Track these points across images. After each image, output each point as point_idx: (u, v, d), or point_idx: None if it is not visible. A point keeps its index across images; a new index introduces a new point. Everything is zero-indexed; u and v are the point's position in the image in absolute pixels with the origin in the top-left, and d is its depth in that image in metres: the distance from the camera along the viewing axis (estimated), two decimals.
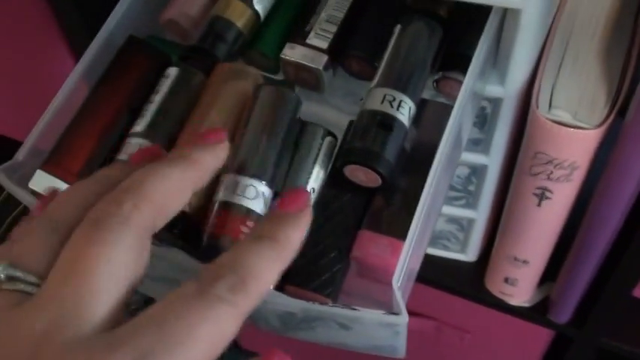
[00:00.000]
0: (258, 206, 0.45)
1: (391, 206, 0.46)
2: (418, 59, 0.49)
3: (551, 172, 0.55)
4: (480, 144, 0.60)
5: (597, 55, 0.54)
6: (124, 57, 0.50)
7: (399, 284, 0.39)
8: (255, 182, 0.45)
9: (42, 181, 0.47)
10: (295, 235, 0.35)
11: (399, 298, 0.39)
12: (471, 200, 0.67)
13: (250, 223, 0.44)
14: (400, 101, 0.46)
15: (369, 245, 0.45)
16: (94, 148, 0.48)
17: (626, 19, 0.55)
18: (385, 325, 0.40)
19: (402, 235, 0.42)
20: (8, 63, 0.76)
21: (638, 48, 0.54)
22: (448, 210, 0.68)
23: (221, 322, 0.31)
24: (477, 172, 0.64)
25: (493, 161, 0.61)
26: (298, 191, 0.37)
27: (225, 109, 0.48)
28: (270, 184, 0.46)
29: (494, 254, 0.70)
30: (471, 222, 0.70)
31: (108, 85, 0.49)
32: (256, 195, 0.45)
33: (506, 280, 0.71)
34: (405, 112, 0.47)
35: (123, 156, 0.47)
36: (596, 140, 0.52)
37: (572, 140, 0.52)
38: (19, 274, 0.31)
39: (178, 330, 0.29)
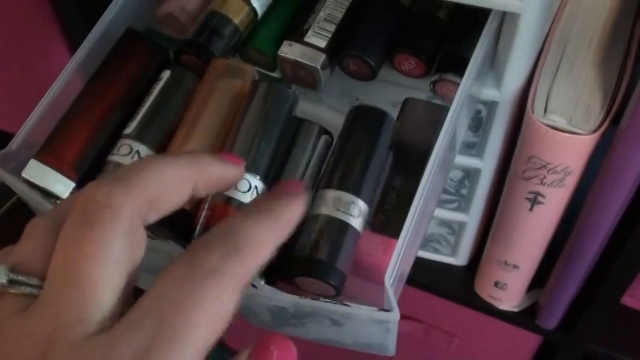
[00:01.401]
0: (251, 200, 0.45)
1: (385, 205, 0.46)
2: (375, 160, 0.47)
3: (545, 177, 0.55)
4: (474, 147, 0.61)
5: (593, 61, 0.54)
6: (121, 49, 0.50)
7: (391, 281, 0.40)
8: (249, 176, 0.45)
9: (36, 171, 0.47)
10: (291, 208, 0.34)
11: (391, 295, 0.39)
12: (463, 204, 0.67)
13: None
14: (359, 208, 0.45)
15: (362, 243, 0.45)
16: (89, 139, 0.47)
17: (623, 27, 0.56)
18: (376, 321, 0.40)
19: (395, 233, 0.42)
20: (4, 54, 0.76)
21: (634, 56, 0.54)
22: (440, 213, 0.69)
23: (219, 298, 0.29)
24: (470, 175, 0.64)
25: (487, 165, 0.61)
26: (293, 181, 0.36)
27: (221, 106, 0.48)
28: (264, 179, 0.46)
29: (485, 258, 0.70)
30: (462, 225, 0.70)
31: (105, 77, 0.49)
32: (249, 189, 0.45)
33: (495, 284, 0.71)
34: (360, 218, 0.45)
35: (115, 156, 0.47)
36: (590, 146, 0.52)
37: (567, 145, 0.52)
38: (21, 277, 0.31)
39: (174, 319, 0.29)
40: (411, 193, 0.43)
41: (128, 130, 0.48)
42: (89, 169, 0.47)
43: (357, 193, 0.45)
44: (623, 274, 0.64)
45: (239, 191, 0.44)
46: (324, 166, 0.47)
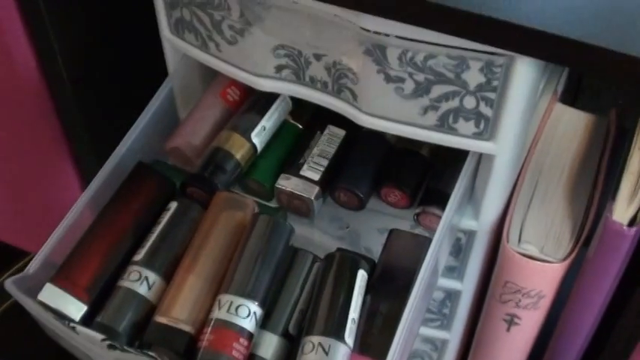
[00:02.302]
0: (250, 325, 0.49)
1: (373, 328, 0.50)
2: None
3: (520, 300, 0.58)
4: (455, 271, 0.64)
5: (563, 194, 0.58)
6: (132, 182, 0.55)
7: None
8: (249, 303, 0.49)
9: (50, 294, 0.50)
10: None
11: None
12: (445, 322, 0.71)
13: (243, 341, 0.48)
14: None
15: None
16: (101, 265, 0.51)
17: (591, 162, 0.60)
18: None
19: (382, 356, 0.46)
20: (20, 182, 0.79)
21: (601, 190, 0.59)
22: (423, 331, 0.72)
23: None
24: (452, 296, 0.67)
25: (467, 287, 0.65)
26: None
27: (224, 236, 0.53)
28: (261, 305, 0.50)
29: None
30: (444, 343, 0.73)
31: (116, 207, 0.54)
32: (249, 314, 0.49)
33: None
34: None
35: (125, 282, 0.51)
36: (561, 272, 0.56)
37: (539, 272, 0.56)
38: None
39: None
40: (397, 318, 0.47)
41: (138, 257, 0.52)
42: (100, 293, 0.51)
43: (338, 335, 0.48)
44: None
45: (240, 317, 0.48)
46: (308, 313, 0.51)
